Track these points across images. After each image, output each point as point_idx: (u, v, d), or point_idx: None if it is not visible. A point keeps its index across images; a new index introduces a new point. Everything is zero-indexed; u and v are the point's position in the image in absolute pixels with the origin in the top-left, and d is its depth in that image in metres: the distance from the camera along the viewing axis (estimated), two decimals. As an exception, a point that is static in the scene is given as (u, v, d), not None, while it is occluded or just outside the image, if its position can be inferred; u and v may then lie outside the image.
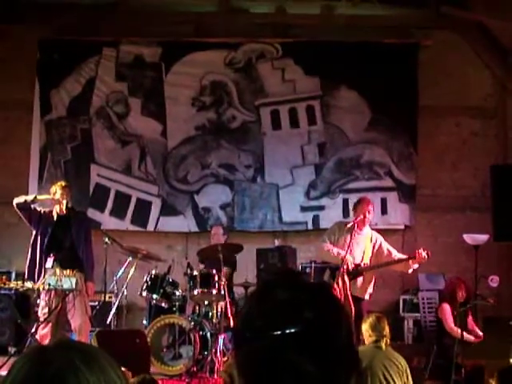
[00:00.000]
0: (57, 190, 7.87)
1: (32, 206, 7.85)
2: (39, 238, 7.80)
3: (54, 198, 7.87)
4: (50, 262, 7.69)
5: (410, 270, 8.05)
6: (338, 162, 10.57)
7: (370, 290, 8.12)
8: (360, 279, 8.00)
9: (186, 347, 8.46)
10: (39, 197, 8.04)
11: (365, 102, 10.51)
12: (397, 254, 8.10)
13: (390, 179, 10.53)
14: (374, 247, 8.10)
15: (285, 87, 10.64)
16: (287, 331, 1.29)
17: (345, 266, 7.76)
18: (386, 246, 8.13)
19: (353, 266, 7.82)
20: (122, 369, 4.58)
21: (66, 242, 7.88)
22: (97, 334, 7.41)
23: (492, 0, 9.84)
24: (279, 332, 1.29)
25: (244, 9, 10.59)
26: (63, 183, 8.09)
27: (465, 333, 7.95)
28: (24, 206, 7.81)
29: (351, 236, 7.84)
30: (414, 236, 10.49)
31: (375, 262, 8.06)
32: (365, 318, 5.84)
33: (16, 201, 7.84)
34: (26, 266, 7.80)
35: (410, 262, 7.90)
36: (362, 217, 7.94)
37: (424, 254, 7.78)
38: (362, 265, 7.97)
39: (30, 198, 7.95)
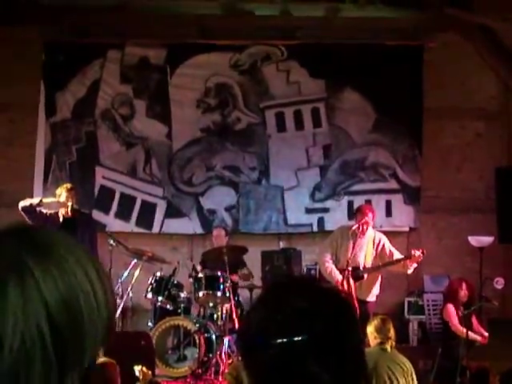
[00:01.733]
0: (62, 193, 7.89)
1: (37, 208, 7.87)
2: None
3: (59, 201, 7.90)
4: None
5: (410, 271, 8.05)
6: (343, 164, 10.58)
7: (376, 291, 8.13)
8: (364, 282, 8.02)
9: (190, 349, 8.47)
10: (45, 200, 8.06)
11: (369, 104, 10.52)
12: (398, 256, 8.11)
13: (395, 181, 10.53)
14: (377, 248, 8.11)
15: (290, 89, 10.65)
16: (302, 339, 1.29)
17: (349, 269, 7.80)
18: (388, 247, 8.14)
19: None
20: (140, 368, 4.40)
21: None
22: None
23: (496, 2, 9.83)
24: (295, 340, 1.29)
25: (249, 11, 10.59)
26: (69, 185, 8.11)
27: (470, 332, 7.96)
28: (29, 210, 7.83)
29: (355, 240, 7.86)
30: (418, 238, 10.49)
31: (378, 262, 8.09)
32: (370, 321, 5.84)
33: (22, 204, 7.86)
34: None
35: (408, 262, 7.92)
36: (366, 219, 7.97)
37: (418, 253, 7.82)
38: (362, 268, 8.00)
39: (35, 201, 7.97)
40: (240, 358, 1.45)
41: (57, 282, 0.94)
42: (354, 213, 8.53)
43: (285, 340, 1.29)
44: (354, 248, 7.85)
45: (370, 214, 8.06)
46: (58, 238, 1.00)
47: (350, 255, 7.81)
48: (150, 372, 5.43)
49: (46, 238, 0.99)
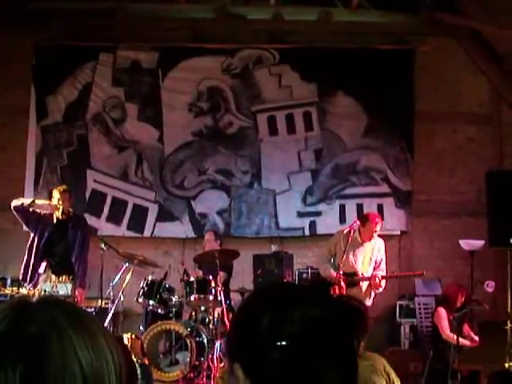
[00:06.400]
0: (55, 195, 7.87)
1: (31, 208, 7.85)
2: (36, 240, 7.80)
3: (50, 204, 7.87)
4: (42, 267, 7.69)
5: (378, 290, 8.08)
6: (335, 167, 10.58)
7: (372, 294, 8.17)
8: (363, 287, 8.05)
9: (182, 353, 8.44)
10: (37, 201, 8.04)
11: (361, 107, 10.53)
12: (379, 272, 8.12)
13: (387, 185, 10.54)
14: (376, 258, 8.15)
15: (282, 93, 10.66)
16: (309, 344, 1.28)
17: (341, 272, 7.80)
18: (380, 259, 8.18)
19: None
20: (130, 335, 4.26)
21: (60, 247, 7.87)
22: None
23: (487, 6, 9.87)
24: (301, 344, 1.28)
25: (241, 15, 10.61)
26: (63, 188, 8.06)
27: (460, 338, 7.97)
28: (21, 209, 7.82)
29: (347, 242, 7.87)
30: (410, 241, 10.51)
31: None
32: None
33: (14, 203, 7.85)
34: (22, 269, 7.79)
35: (372, 284, 7.98)
36: (375, 229, 8.00)
37: (377, 280, 7.88)
38: (359, 275, 8.03)
39: (27, 201, 7.95)
40: (229, 359, 1.40)
41: (88, 348, 1.04)
42: (360, 219, 8.40)
43: (290, 343, 1.27)
44: (345, 250, 7.86)
45: (379, 225, 8.08)
46: (87, 314, 1.11)
47: (342, 259, 7.82)
48: (139, 341, 5.37)
49: (79, 311, 1.10)
